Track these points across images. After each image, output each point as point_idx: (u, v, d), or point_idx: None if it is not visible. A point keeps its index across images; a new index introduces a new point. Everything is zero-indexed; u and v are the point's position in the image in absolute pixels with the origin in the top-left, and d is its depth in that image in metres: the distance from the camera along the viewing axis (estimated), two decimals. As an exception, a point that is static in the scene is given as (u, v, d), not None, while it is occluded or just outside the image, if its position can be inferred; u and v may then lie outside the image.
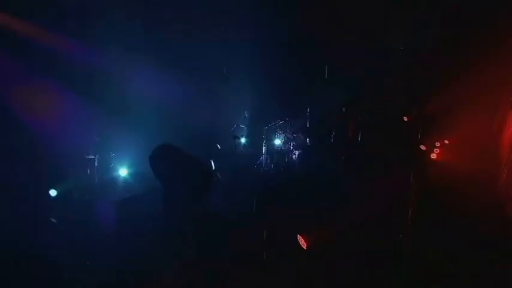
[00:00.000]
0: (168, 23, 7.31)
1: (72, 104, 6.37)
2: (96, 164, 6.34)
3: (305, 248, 4.04)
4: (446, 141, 6.88)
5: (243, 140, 8.00)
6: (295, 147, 7.35)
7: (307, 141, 7.39)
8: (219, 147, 7.71)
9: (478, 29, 6.32)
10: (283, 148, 7.52)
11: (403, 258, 3.90)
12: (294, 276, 3.61)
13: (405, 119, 7.15)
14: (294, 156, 7.27)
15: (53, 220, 5.17)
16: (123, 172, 6.51)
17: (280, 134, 7.61)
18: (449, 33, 6.72)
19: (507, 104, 6.19)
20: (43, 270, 3.78)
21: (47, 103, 6.25)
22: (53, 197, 5.72)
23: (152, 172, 1.85)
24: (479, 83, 6.22)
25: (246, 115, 8.16)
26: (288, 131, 7.51)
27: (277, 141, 7.58)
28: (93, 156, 6.23)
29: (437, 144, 6.83)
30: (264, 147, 7.47)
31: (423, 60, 7.12)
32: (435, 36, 6.85)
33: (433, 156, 6.84)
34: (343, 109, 7.44)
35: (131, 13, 6.85)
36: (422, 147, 6.71)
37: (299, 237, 4.14)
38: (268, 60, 7.84)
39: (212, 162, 6.64)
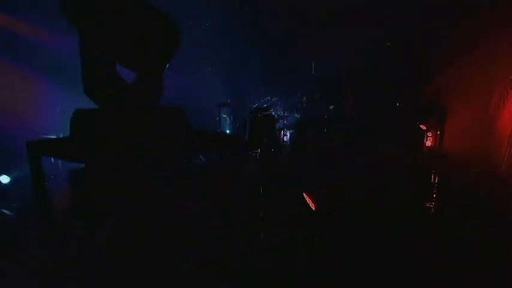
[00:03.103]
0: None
1: (35, 83, 5.87)
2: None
3: (314, 209, 3.70)
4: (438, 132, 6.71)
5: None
6: (286, 126, 6.73)
7: (300, 118, 6.77)
8: None
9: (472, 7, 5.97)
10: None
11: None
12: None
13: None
14: (285, 137, 6.65)
15: (4, 211, 4.36)
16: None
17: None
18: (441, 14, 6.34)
19: (506, 83, 5.96)
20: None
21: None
22: (5, 184, 4.97)
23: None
24: (475, 64, 5.90)
25: (228, 102, 7.49)
26: (278, 109, 6.90)
27: None
28: (54, 136, 5.42)
29: (429, 134, 6.76)
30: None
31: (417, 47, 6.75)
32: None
33: (428, 143, 6.74)
34: (331, 107, 6.89)
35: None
36: (422, 127, 6.52)
37: (305, 196, 3.84)
38: (253, 39, 7.38)
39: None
